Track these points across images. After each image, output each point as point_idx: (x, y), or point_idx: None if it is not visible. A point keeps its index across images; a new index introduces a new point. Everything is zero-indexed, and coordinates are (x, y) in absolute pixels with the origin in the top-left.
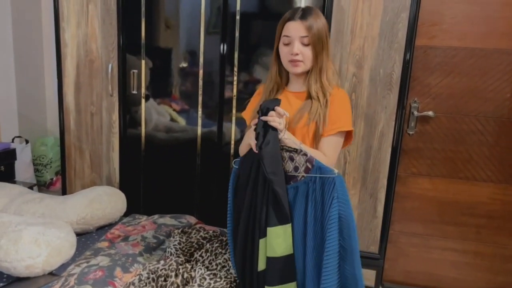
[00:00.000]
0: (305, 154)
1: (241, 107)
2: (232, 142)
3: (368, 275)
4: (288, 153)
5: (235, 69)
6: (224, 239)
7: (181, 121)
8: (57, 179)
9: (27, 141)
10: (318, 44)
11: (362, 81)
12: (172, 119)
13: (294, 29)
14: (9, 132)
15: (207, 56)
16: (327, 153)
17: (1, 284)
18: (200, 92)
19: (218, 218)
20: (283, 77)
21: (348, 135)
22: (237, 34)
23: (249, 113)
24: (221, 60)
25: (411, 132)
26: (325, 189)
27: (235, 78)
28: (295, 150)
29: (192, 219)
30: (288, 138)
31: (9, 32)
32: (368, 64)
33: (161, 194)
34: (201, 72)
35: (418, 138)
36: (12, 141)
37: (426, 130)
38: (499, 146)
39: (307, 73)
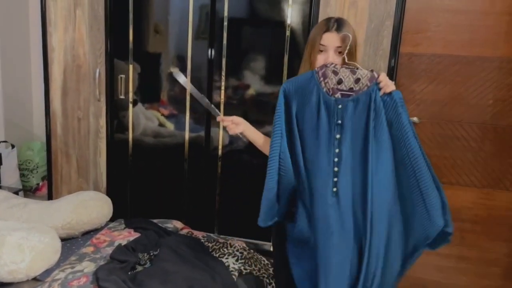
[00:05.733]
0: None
1: (229, 112)
2: (220, 147)
3: None
4: (348, 69)
5: (223, 74)
6: (207, 244)
7: (170, 126)
8: (43, 184)
9: (13, 146)
10: (349, 54)
11: None
12: (160, 124)
13: (330, 40)
14: None
15: (195, 61)
16: None
17: None
18: (188, 97)
19: (206, 223)
20: None
21: None
22: (225, 39)
23: None
24: (209, 65)
25: None
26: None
27: (223, 83)
28: (356, 67)
29: (179, 224)
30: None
31: None
32: None
33: (149, 199)
34: (189, 77)
35: None
36: None
37: None
38: (483, 151)
39: None
